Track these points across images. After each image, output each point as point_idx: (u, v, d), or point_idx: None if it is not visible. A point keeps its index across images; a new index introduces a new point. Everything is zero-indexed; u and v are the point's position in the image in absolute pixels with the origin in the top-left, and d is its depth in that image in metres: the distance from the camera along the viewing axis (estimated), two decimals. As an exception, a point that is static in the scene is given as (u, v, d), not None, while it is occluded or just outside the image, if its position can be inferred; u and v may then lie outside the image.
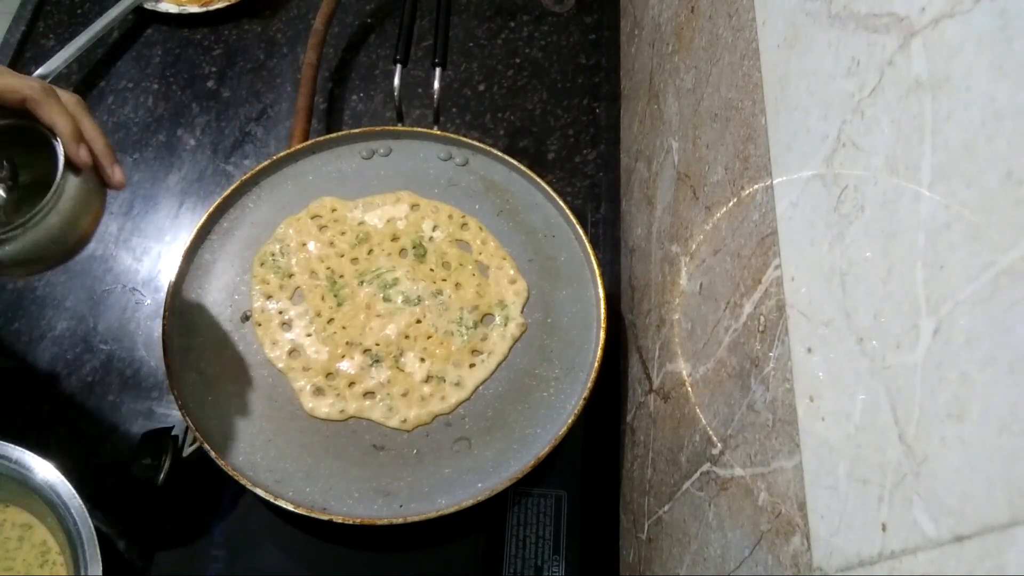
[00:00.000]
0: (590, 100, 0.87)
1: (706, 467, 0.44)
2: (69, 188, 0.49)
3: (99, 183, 0.51)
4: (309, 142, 0.72)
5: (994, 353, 0.21)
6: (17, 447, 0.58)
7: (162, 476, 0.61)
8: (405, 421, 0.61)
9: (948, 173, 0.24)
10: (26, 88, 0.48)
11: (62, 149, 0.48)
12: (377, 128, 0.73)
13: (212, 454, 0.57)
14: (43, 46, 0.90)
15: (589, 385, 0.61)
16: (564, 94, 0.87)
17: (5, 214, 0.51)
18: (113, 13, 0.87)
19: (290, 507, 0.56)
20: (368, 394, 0.62)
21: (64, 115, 0.49)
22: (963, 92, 0.24)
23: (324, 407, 0.61)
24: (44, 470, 0.57)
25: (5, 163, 0.52)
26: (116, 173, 0.52)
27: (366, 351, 0.63)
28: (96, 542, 0.56)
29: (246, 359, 0.63)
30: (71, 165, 0.49)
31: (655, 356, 0.58)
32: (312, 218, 0.69)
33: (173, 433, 0.63)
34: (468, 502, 0.56)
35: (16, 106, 0.48)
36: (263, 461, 0.58)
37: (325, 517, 0.55)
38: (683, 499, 0.48)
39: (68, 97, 0.50)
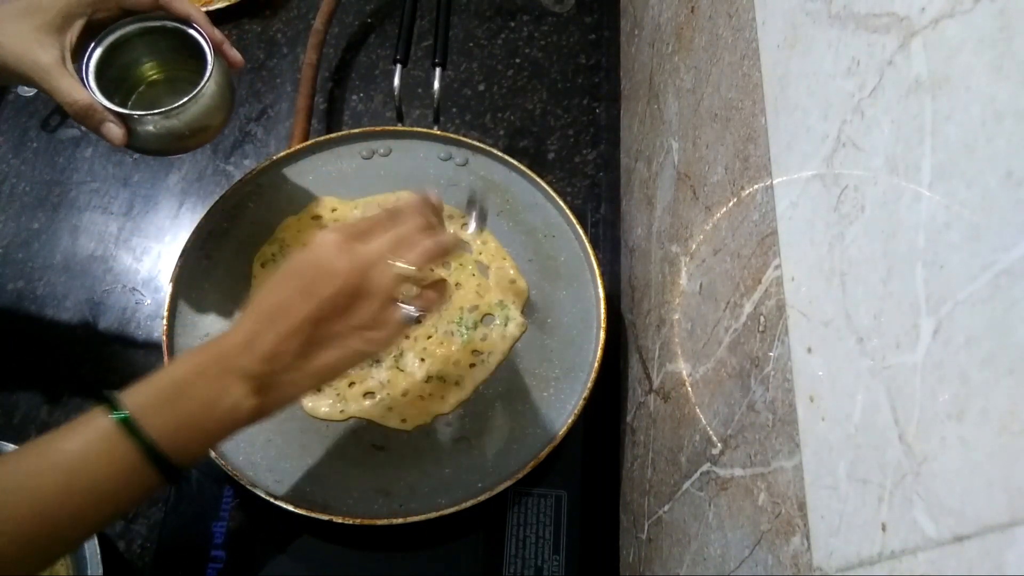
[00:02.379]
0: (590, 100, 0.87)
1: (706, 467, 0.44)
2: (217, 63, 0.58)
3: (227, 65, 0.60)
4: (309, 142, 0.72)
5: (994, 353, 0.21)
6: (17, 447, 0.58)
7: (162, 476, 0.61)
8: (405, 421, 0.61)
9: (948, 173, 0.24)
10: None
11: (203, 32, 0.58)
12: (377, 128, 0.73)
13: (212, 454, 0.57)
14: (43, 46, 0.90)
15: (589, 385, 0.61)
16: (564, 94, 0.87)
17: (144, 107, 0.59)
18: (113, 13, 0.88)
19: (290, 507, 0.56)
20: (368, 394, 0.62)
21: (193, 6, 0.58)
22: (963, 92, 0.24)
23: (324, 407, 0.61)
24: (44, 470, 0.57)
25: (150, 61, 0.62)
26: (234, 53, 0.61)
27: (366, 351, 0.63)
28: (96, 542, 0.56)
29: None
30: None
31: (655, 356, 0.58)
32: (312, 218, 0.69)
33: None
34: (468, 502, 0.56)
35: (148, 6, 0.57)
36: (263, 461, 0.58)
37: (325, 517, 0.55)
38: (683, 499, 0.48)
39: None
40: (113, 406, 0.41)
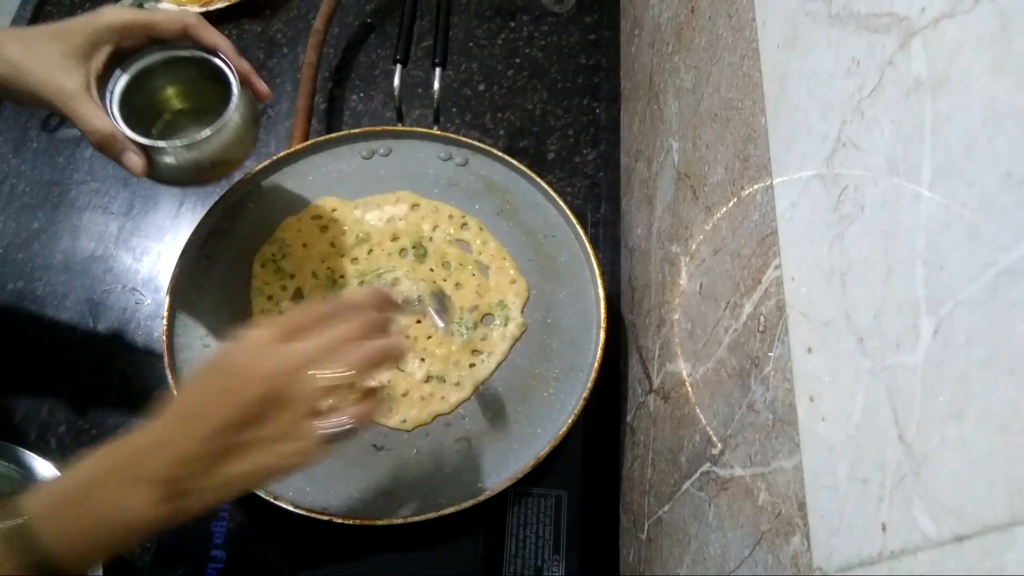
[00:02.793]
0: (590, 100, 0.87)
1: (706, 467, 0.44)
2: (243, 95, 0.57)
3: (252, 96, 0.59)
4: (309, 142, 0.72)
5: (994, 353, 0.21)
6: (17, 447, 0.58)
7: (162, 476, 0.61)
8: (405, 421, 0.61)
9: (948, 173, 0.24)
10: (187, 17, 0.56)
11: (230, 63, 0.57)
12: (377, 128, 0.73)
13: (212, 454, 0.57)
14: (43, 46, 0.90)
15: (589, 385, 0.61)
16: (564, 94, 0.87)
17: (164, 136, 0.59)
18: (113, 13, 0.88)
19: (290, 507, 0.56)
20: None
21: (222, 37, 0.57)
22: (963, 92, 0.24)
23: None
24: (44, 470, 0.57)
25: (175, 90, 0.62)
26: (261, 85, 0.59)
27: (366, 351, 0.63)
28: (96, 542, 0.56)
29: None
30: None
31: (655, 356, 0.58)
32: (312, 218, 0.69)
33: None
34: (468, 502, 0.56)
35: (177, 35, 0.56)
36: (263, 461, 0.58)
37: (325, 517, 0.55)
38: (683, 499, 0.48)
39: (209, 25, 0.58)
40: (15, 510, 0.39)
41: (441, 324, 0.62)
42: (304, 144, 0.72)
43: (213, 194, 0.69)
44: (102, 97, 0.54)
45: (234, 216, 0.68)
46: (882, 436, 0.26)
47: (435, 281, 0.66)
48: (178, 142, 0.55)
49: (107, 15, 0.54)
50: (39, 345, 0.73)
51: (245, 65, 0.58)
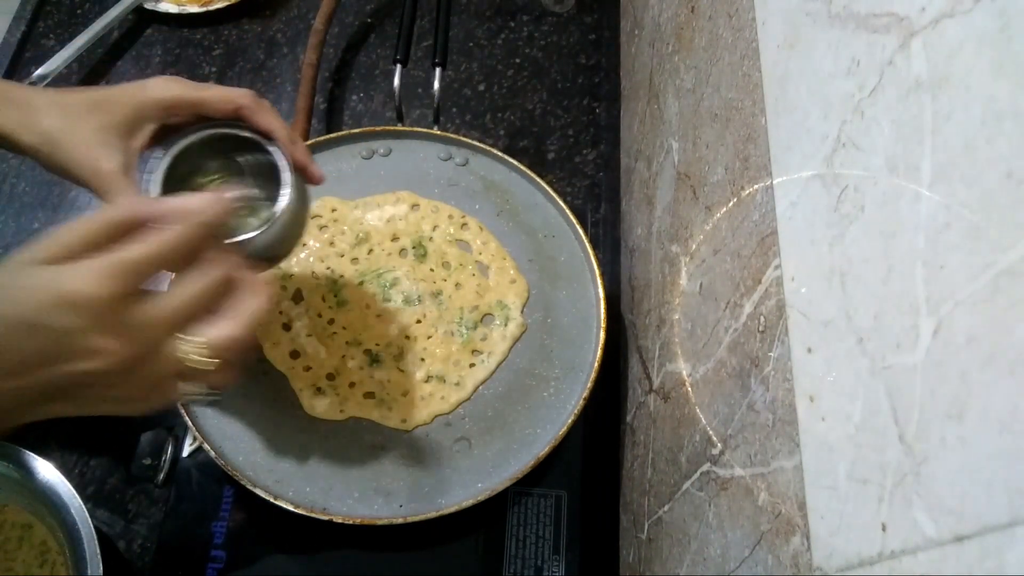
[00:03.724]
0: (590, 100, 0.87)
1: (706, 467, 0.44)
2: (296, 185, 0.51)
3: (304, 182, 0.53)
4: (309, 142, 0.72)
5: (994, 353, 0.21)
6: (17, 447, 0.58)
7: (162, 476, 0.61)
8: (405, 421, 0.61)
9: (948, 173, 0.24)
10: (240, 97, 0.50)
11: (284, 151, 0.51)
12: (377, 128, 0.73)
13: (212, 454, 0.57)
14: (43, 46, 0.90)
15: (589, 385, 0.61)
16: (564, 94, 0.87)
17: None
18: (113, 13, 0.87)
19: (290, 507, 0.56)
20: (368, 394, 0.62)
21: (279, 120, 0.51)
22: (963, 92, 0.24)
23: (324, 407, 0.61)
24: (44, 470, 0.57)
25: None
26: (317, 170, 0.53)
27: (366, 351, 0.63)
28: (96, 542, 0.56)
29: (246, 359, 0.62)
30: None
31: (655, 356, 0.58)
32: (312, 218, 0.69)
33: (173, 433, 0.63)
34: (468, 502, 0.56)
35: (229, 115, 0.50)
36: (263, 461, 0.58)
37: (325, 517, 0.55)
38: (683, 499, 0.48)
39: (268, 106, 0.51)
40: None
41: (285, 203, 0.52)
42: (304, 144, 0.72)
43: (213, 194, 0.69)
44: (141, 178, 0.49)
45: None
46: (882, 436, 0.26)
47: (435, 281, 0.66)
48: (226, 242, 0.48)
49: (155, 89, 0.49)
50: (39, 345, 0.73)
51: (300, 152, 0.52)
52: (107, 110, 0.47)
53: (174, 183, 0.50)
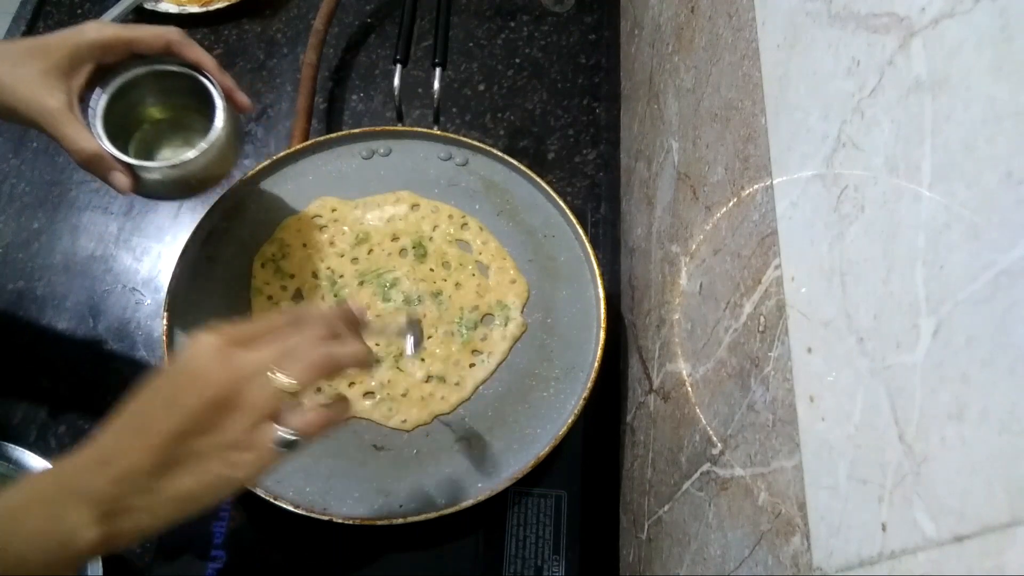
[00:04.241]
0: (590, 100, 0.87)
1: (706, 467, 0.44)
2: (227, 111, 0.58)
3: (235, 111, 0.60)
4: (309, 142, 0.72)
5: (994, 353, 0.21)
6: (17, 447, 0.58)
7: (162, 476, 0.61)
8: (405, 421, 0.61)
9: (948, 173, 0.24)
10: (169, 33, 0.56)
11: (213, 79, 0.57)
12: (377, 128, 0.73)
13: (212, 454, 0.57)
14: (43, 46, 0.90)
15: (589, 385, 0.61)
16: (564, 94, 0.87)
17: (145, 147, 0.61)
18: (113, 13, 0.87)
19: (290, 507, 0.56)
20: (368, 394, 0.62)
21: (205, 53, 0.57)
22: (963, 92, 0.24)
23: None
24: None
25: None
26: (242, 97, 0.59)
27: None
28: (96, 542, 0.56)
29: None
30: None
31: (655, 356, 0.58)
32: (312, 218, 0.69)
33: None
34: (468, 502, 0.56)
35: (159, 51, 0.56)
36: (263, 461, 0.58)
37: (325, 517, 0.55)
38: (683, 499, 0.48)
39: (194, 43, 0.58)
40: None
41: (411, 352, 0.61)
42: (304, 144, 0.72)
43: (213, 194, 0.69)
44: (85, 114, 0.54)
45: (234, 216, 0.68)
46: (882, 436, 0.26)
47: (435, 281, 0.66)
48: (165, 163, 0.56)
49: (89, 32, 0.54)
50: (39, 345, 0.73)
51: (228, 81, 0.58)
52: (47, 54, 0.52)
53: (117, 117, 0.57)
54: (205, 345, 0.40)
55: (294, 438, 0.41)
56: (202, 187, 0.59)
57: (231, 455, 0.40)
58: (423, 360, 0.63)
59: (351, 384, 0.62)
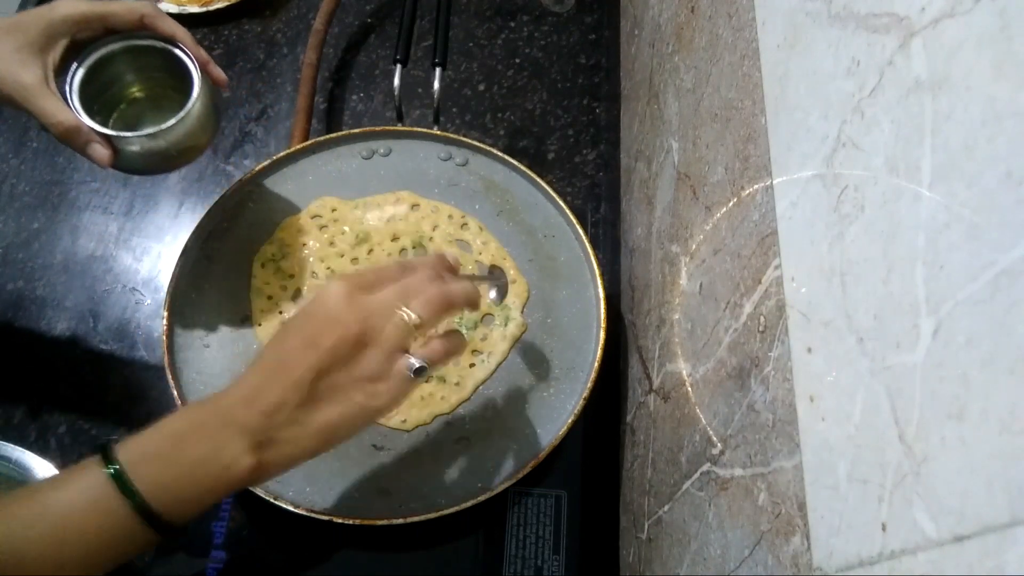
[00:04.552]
0: (590, 100, 0.87)
1: (706, 467, 0.44)
2: (203, 83, 0.58)
3: (212, 84, 0.60)
4: (309, 142, 0.72)
5: (994, 353, 0.21)
6: (17, 447, 0.59)
7: (162, 476, 0.61)
8: (405, 421, 0.61)
9: (948, 173, 0.24)
10: (142, 7, 0.56)
11: (189, 52, 0.57)
12: (377, 128, 0.73)
13: (212, 454, 0.57)
14: (43, 46, 0.90)
15: (589, 385, 0.61)
16: (564, 94, 0.87)
17: (125, 125, 0.61)
18: None
19: (290, 507, 0.56)
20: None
21: (179, 26, 0.57)
22: (963, 92, 0.24)
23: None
24: (44, 470, 0.57)
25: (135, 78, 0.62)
26: (220, 72, 0.60)
27: (366, 351, 0.63)
28: (96, 542, 0.56)
29: (246, 359, 0.63)
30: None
31: (655, 356, 0.58)
32: (312, 218, 0.69)
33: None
34: (468, 502, 0.56)
35: (134, 25, 0.56)
36: (263, 461, 0.58)
37: (325, 517, 0.55)
38: (683, 499, 0.48)
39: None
40: (106, 458, 0.40)
41: (494, 299, 0.63)
42: (304, 144, 0.72)
43: (213, 194, 0.69)
44: (61, 89, 0.54)
45: (234, 216, 0.68)
46: (882, 436, 0.26)
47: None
48: (143, 132, 0.55)
49: (62, 7, 0.54)
50: (39, 345, 0.73)
51: (203, 54, 0.58)
52: (21, 31, 0.52)
53: (94, 92, 0.57)
54: (336, 290, 0.45)
55: (423, 365, 0.45)
56: (181, 159, 0.59)
57: (369, 386, 0.44)
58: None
59: (351, 384, 0.62)
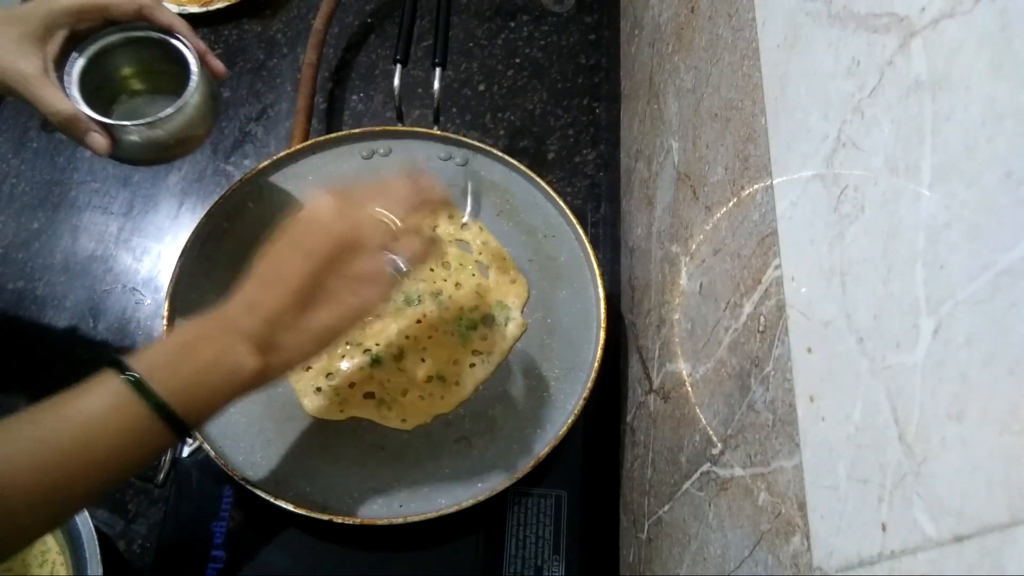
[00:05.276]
0: (590, 100, 0.87)
1: (706, 467, 0.44)
2: (202, 73, 0.58)
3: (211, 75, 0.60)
4: (309, 142, 0.72)
5: (994, 353, 0.21)
6: (17, 447, 0.58)
7: (162, 476, 0.61)
8: (405, 421, 0.61)
9: (948, 173, 0.24)
10: None
11: (187, 42, 0.58)
12: (377, 128, 0.73)
13: (212, 454, 0.57)
14: (43, 46, 0.90)
15: (589, 385, 0.61)
16: (564, 94, 0.87)
17: (124, 115, 0.61)
18: None
19: (290, 507, 0.56)
20: (368, 394, 0.62)
21: (177, 17, 0.58)
22: (963, 92, 0.24)
23: (324, 407, 0.61)
24: (44, 470, 0.57)
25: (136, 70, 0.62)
26: (219, 63, 0.61)
27: (366, 351, 0.63)
28: (96, 542, 0.56)
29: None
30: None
31: (655, 356, 0.58)
32: (312, 218, 0.69)
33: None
34: (468, 502, 0.56)
35: (131, 16, 0.57)
36: (263, 461, 0.58)
37: (325, 517, 0.55)
38: (683, 499, 0.48)
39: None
40: (123, 368, 0.42)
41: (468, 214, 0.65)
42: (304, 144, 0.72)
43: (213, 194, 0.69)
44: (61, 80, 0.55)
45: (234, 216, 0.68)
46: (882, 436, 0.26)
47: (435, 281, 0.66)
48: (141, 121, 0.56)
49: None
50: (39, 345, 0.73)
51: (201, 44, 0.59)
52: (22, 21, 0.53)
53: (94, 84, 0.58)
54: (324, 202, 0.48)
55: (405, 265, 0.49)
56: (180, 149, 0.60)
57: (359, 287, 0.47)
58: (423, 360, 0.63)
59: (351, 384, 0.62)
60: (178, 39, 0.58)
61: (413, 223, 0.50)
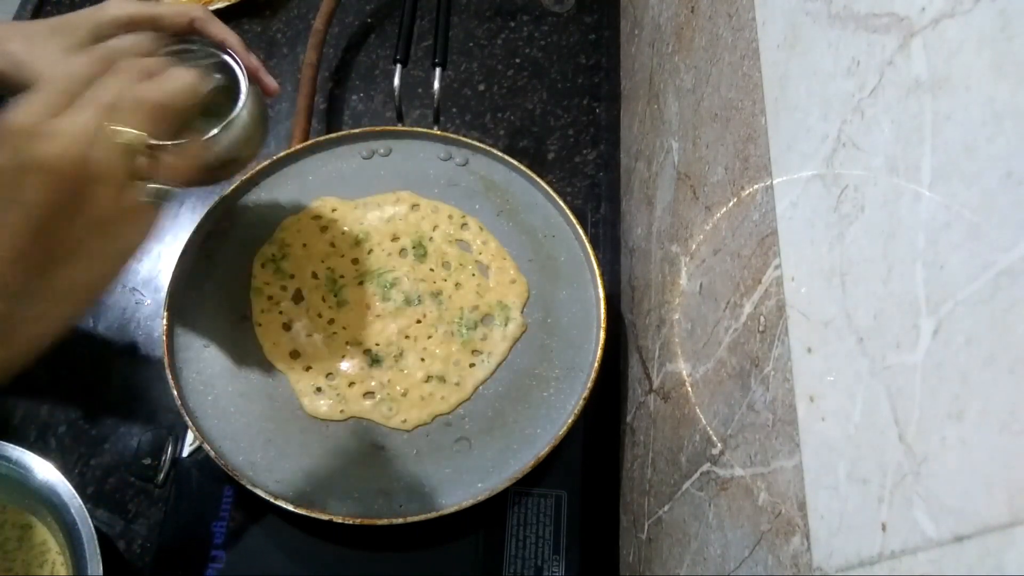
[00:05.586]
0: (590, 100, 0.87)
1: (706, 467, 0.44)
2: (251, 92, 0.56)
3: (261, 93, 0.58)
4: (309, 142, 0.72)
5: (994, 353, 0.21)
6: (17, 447, 0.58)
7: (162, 476, 0.61)
8: (405, 421, 0.61)
9: (948, 173, 0.24)
10: (193, 10, 0.55)
11: (238, 59, 0.56)
12: (377, 128, 0.73)
13: (212, 454, 0.57)
14: (43, 46, 0.90)
15: (589, 385, 0.61)
16: (564, 94, 0.87)
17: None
18: None
19: (290, 507, 0.56)
20: (368, 394, 0.62)
21: (230, 31, 0.56)
22: (963, 92, 0.24)
23: (324, 407, 0.61)
24: (44, 470, 0.57)
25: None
26: (272, 80, 0.58)
27: (366, 351, 0.63)
28: (96, 542, 0.56)
29: (246, 359, 0.62)
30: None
31: (655, 356, 0.58)
32: (312, 218, 0.69)
33: (173, 433, 0.63)
34: (468, 502, 0.56)
35: (184, 29, 0.55)
36: (263, 461, 0.58)
37: (325, 517, 0.55)
38: (683, 499, 0.48)
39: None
40: None
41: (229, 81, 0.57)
42: (304, 144, 0.72)
43: (213, 194, 0.69)
44: None
45: (234, 216, 0.68)
46: (882, 436, 0.26)
47: (435, 281, 0.66)
48: (184, 142, 0.54)
49: (111, 8, 0.53)
50: (39, 345, 0.73)
51: (254, 60, 0.57)
52: (68, 32, 0.51)
53: None
54: (19, 126, 0.35)
55: (166, 188, 0.39)
56: (226, 171, 0.57)
57: (110, 228, 0.37)
58: (423, 360, 0.63)
59: (351, 384, 0.62)
60: (229, 55, 0.56)
61: (159, 129, 0.39)
